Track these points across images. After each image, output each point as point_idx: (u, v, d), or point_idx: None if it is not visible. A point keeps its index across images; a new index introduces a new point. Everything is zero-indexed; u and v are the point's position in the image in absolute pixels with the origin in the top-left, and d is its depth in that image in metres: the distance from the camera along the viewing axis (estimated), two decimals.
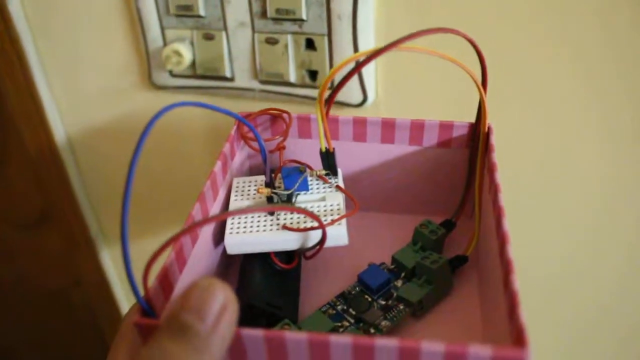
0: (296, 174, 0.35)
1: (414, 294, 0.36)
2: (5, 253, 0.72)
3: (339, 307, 0.36)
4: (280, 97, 0.48)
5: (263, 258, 0.35)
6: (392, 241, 0.40)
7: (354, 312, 0.35)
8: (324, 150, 0.35)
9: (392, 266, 0.38)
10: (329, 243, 0.34)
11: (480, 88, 0.35)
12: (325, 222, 0.33)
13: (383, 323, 0.34)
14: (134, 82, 0.53)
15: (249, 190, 0.37)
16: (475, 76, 0.34)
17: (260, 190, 0.34)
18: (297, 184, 0.35)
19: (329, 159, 0.36)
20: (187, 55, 0.46)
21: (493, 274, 0.32)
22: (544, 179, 0.48)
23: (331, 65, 0.45)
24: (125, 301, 0.76)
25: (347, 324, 0.35)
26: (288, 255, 0.36)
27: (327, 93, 0.33)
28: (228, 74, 0.48)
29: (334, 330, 0.34)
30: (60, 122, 0.58)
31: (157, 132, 0.54)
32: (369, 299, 0.36)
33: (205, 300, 0.24)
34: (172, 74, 0.50)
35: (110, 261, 0.71)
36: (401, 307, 0.35)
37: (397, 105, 0.47)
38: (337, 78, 0.42)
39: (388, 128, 0.39)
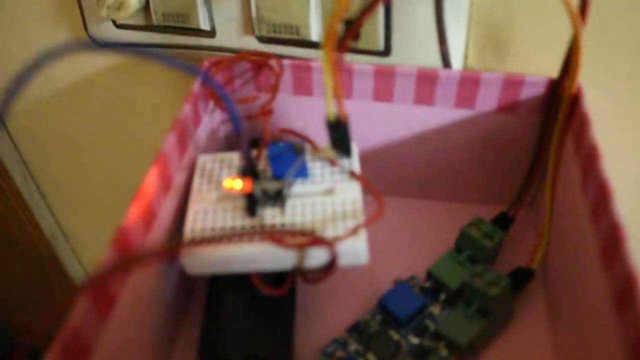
0: (289, 155, 0.23)
1: (461, 331, 0.24)
2: None
3: (352, 348, 0.25)
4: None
5: (239, 280, 0.24)
6: (426, 242, 0.29)
7: (373, 358, 0.24)
8: (332, 119, 0.23)
9: (427, 283, 0.27)
10: (341, 262, 0.22)
11: (575, 18, 0.22)
12: (335, 236, 0.21)
13: None
14: (67, 38, 0.37)
15: (219, 175, 0.25)
16: (570, 2, 0.21)
17: (230, 184, 0.22)
18: (292, 171, 0.23)
19: (340, 133, 0.23)
20: None
21: (586, 300, 0.21)
22: None
23: (387, 14, 0.27)
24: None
25: None
26: (277, 275, 0.25)
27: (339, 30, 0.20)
28: (203, 25, 0.30)
29: None
30: None
31: (106, 101, 0.41)
32: (395, 337, 0.25)
33: None
34: (117, 25, 0.33)
35: (74, 260, 0.60)
36: (443, 352, 0.24)
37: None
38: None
39: (426, 83, 0.26)
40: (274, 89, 0.26)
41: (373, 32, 0.26)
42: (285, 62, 0.27)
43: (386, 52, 0.27)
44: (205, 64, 0.27)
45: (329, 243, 0.20)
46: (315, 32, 0.28)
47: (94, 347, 0.18)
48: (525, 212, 0.31)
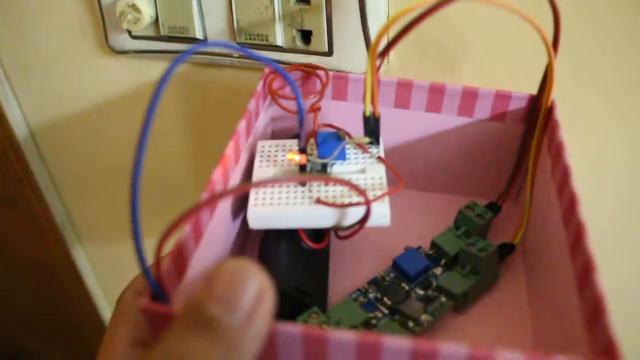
0: (334, 141, 0.31)
1: (457, 285, 0.31)
2: None
3: (371, 295, 0.32)
4: (264, 65, 0.37)
5: (289, 235, 0.31)
6: (430, 223, 0.36)
7: (389, 302, 0.31)
8: (368, 114, 0.30)
9: (431, 251, 0.34)
10: (369, 223, 0.29)
11: (549, 49, 0.30)
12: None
13: (423, 317, 0.30)
14: (90, 47, 0.44)
15: (275, 156, 0.32)
16: (544, 33, 0.29)
17: (291, 156, 0.29)
18: (336, 152, 0.30)
19: (373, 125, 0.31)
20: (146, 11, 0.38)
21: (556, 269, 0.28)
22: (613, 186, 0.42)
23: (329, 24, 0.36)
24: (99, 293, 0.69)
25: (380, 314, 0.31)
26: (317, 233, 0.32)
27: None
28: (199, 35, 0.39)
29: (367, 321, 0.30)
30: (15, 100, 0.50)
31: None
32: (406, 288, 0.32)
33: (237, 288, 0.19)
34: (132, 36, 0.41)
35: (80, 250, 0.64)
36: (443, 299, 0.31)
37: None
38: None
39: (436, 94, 0.34)
40: (321, 93, 0.33)
41: (320, 38, 0.35)
42: (330, 72, 0.34)
43: (329, 53, 0.36)
44: (266, 70, 0.34)
45: (367, 201, 0.28)
46: (279, 39, 0.36)
47: (188, 262, 0.25)
48: (511, 203, 0.38)
